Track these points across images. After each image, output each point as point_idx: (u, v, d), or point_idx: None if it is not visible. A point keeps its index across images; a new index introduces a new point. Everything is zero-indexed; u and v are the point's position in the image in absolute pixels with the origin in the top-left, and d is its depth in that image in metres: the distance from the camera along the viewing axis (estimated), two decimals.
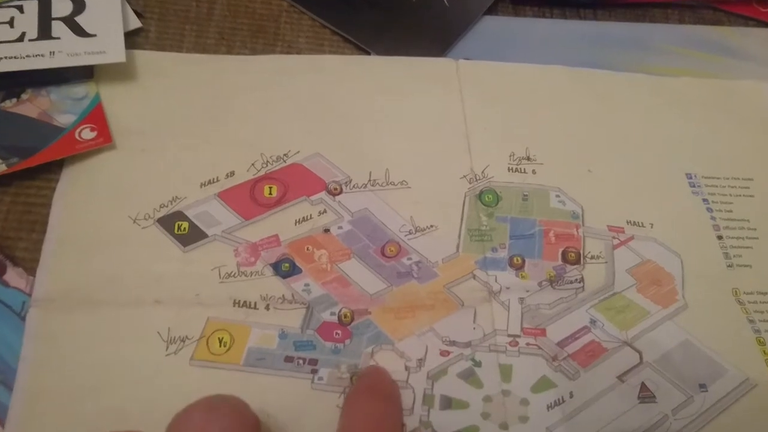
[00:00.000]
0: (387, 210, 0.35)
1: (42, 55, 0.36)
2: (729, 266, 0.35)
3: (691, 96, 0.42)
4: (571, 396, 0.31)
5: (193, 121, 0.37)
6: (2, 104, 0.35)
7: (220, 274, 0.32)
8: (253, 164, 0.35)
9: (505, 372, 0.31)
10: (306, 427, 0.29)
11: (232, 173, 0.35)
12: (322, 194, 0.35)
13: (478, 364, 0.31)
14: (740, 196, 0.38)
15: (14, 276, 0.31)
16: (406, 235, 0.34)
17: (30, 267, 0.32)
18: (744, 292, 0.35)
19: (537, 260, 0.34)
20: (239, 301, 0.31)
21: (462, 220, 0.35)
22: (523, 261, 0.34)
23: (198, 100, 0.37)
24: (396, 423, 0.28)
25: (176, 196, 0.34)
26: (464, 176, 0.36)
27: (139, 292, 0.31)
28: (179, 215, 0.33)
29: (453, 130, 0.38)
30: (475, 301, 0.32)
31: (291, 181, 0.35)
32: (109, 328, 0.30)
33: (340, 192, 0.35)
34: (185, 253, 0.32)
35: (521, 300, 0.33)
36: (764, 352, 0.33)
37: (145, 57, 0.39)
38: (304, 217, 0.34)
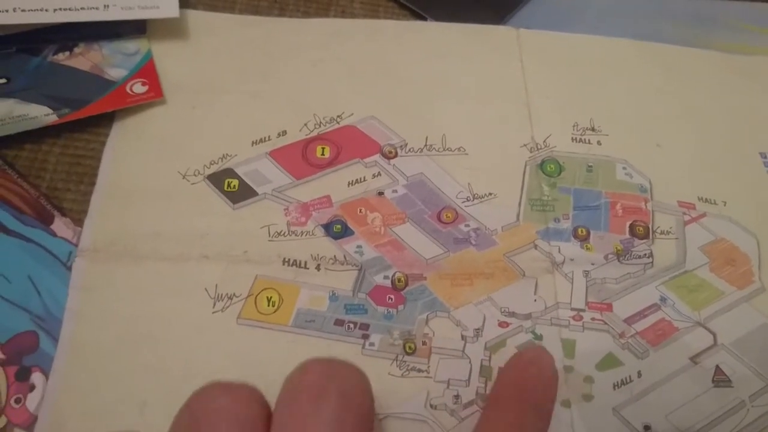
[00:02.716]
0: (443, 176, 0.33)
1: (96, 8, 0.35)
2: None
3: (765, 75, 0.40)
4: (640, 376, 0.29)
5: (245, 81, 0.35)
6: (55, 57, 0.35)
7: (269, 233, 0.31)
8: (305, 125, 0.34)
9: (568, 347, 0.29)
10: None
11: (284, 132, 0.34)
12: (377, 157, 0.34)
13: (538, 337, 0.29)
14: None
15: (61, 226, 0.30)
16: (463, 202, 0.32)
17: (77, 218, 0.31)
18: None
19: (603, 233, 0.32)
20: (289, 260, 0.30)
21: (522, 189, 0.33)
22: (588, 232, 0.32)
23: (250, 60, 0.36)
24: None
25: (226, 154, 0.33)
26: (524, 145, 0.35)
27: (185, 246, 0.30)
28: (229, 172, 0.32)
29: (513, 98, 0.36)
30: (536, 272, 0.31)
31: (344, 143, 0.34)
32: (155, 281, 0.29)
33: (395, 155, 0.34)
34: (234, 210, 0.31)
35: (586, 273, 0.31)
36: None
37: (197, 16, 0.38)
38: (357, 179, 0.33)
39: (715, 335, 0.30)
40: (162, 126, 0.34)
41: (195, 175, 0.32)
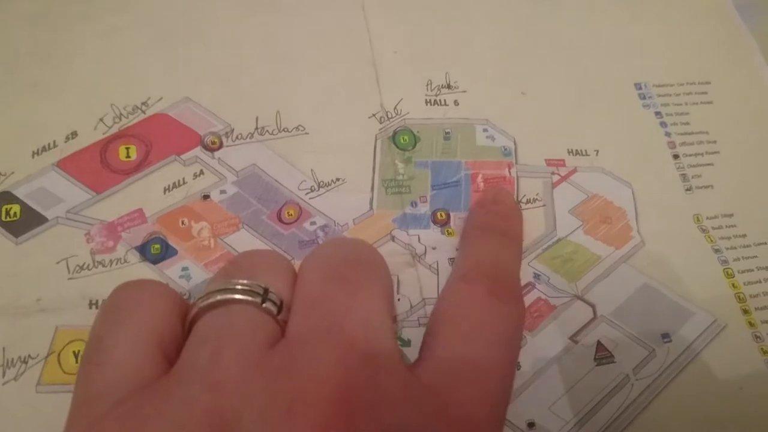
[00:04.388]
0: (281, 164, 0.28)
1: None
2: (687, 190, 0.31)
3: None
4: (519, 368, 0.26)
5: (16, 70, 0.28)
6: None
7: (68, 268, 0.25)
8: (101, 120, 0.28)
9: None
10: None
11: (74, 134, 0.27)
12: (197, 150, 0.28)
13: (407, 343, 0.26)
14: (697, 104, 0.33)
15: None
16: (307, 194, 0.28)
17: None
18: (707, 218, 0.30)
19: (464, 213, 0.28)
20: (97, 300, 0.24)
21: (374, 169, 0.29)
22: (448, 215, 0.28)
23: (21, 41, 0.29)
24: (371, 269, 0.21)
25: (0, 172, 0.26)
26: (373, 115, 0.30)
27: None
28: (6, 196, 0.26)
29: (356, 56, 0.31)
30: (396, 268, 0.27)
31: (154, 138, 0.28)
32: None
33: (220, 146, 0.28)
34: (18, 245, 0.25)
35: (451, 261, 0.27)
36: (733, 285, 0.29)
37: None
38: (175, 183, 0.27)
39: (594, 307, 0.27)
40: None
41: None
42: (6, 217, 0.25)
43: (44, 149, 0.27)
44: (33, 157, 0.27)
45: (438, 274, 0.27)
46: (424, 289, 0.26)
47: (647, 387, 0.26)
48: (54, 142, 0.27)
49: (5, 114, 0.27)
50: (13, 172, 0.26)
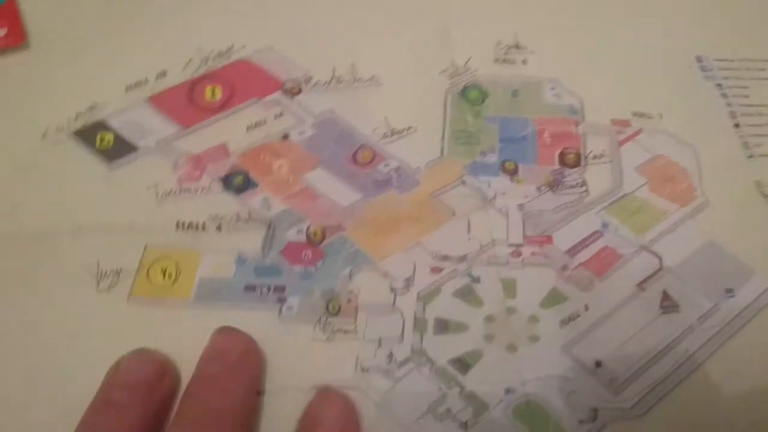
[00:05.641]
0: (356, 110, 0.29)
1: None
2: (749, 157, 0.31)
3: None
4: (587, 309, 0.26)
5: (115, 15, 0.30)
6: None
7: (157, 193, 0.26)
8: (189, 62, 0.29)
9: (509, 287, 0.26)
10: (276, 365, 0.24)
11: (164, 73, 0.29)
12: (278, 95, 0.29)
13: (476, 279, 0.26)
14: (757, 79, 0.33)
15: None
16: (380, 139, 0.29)
17: None
18: None
19: (532, 166, 0.29)
20: (183, 222, 0.26)
21: (445, 120, 0.30)
22: (516, 166, 0.29)
23: None
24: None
25: (96, 103, 0.28)
26: (444, 71, 0.31)
27: (54, 219, 0.25)
28: (100, 125, 0.27)
29: (429, 14, 0.33)
30: (467, 209, 0.27)
31: (238, 81, 0.29)
32: (20, 265, 0.24)
33: (299, 91, 0.29)
34: (111, 170, 0.26)
35: (521, 206, 0.28)
36: None
37: None
38: (257, 122, 0.28)
39: (660, 258, 0.28)
40: (19, 76, 0.28)
41: (58, 132, 0.27)
42: (100, 145, 0.27)
43: (136, 85, 0.28)
44: (126, 91, 0.28)
45: (508, 218, 0.27)
46: (494, 231, 0.27)
47: (711, 337, 0.26)
48: (146, 79, 0.28)
49: (102, 48, 0.29)
50: (107, 104, 0.28)
